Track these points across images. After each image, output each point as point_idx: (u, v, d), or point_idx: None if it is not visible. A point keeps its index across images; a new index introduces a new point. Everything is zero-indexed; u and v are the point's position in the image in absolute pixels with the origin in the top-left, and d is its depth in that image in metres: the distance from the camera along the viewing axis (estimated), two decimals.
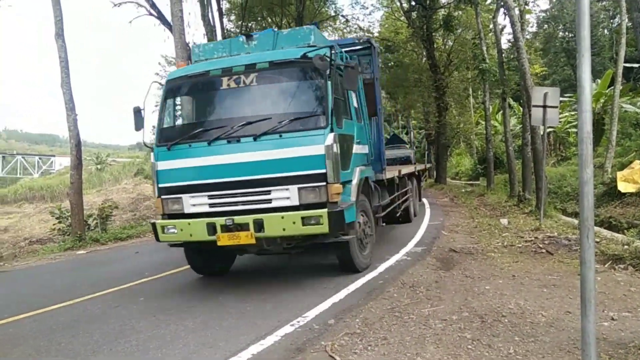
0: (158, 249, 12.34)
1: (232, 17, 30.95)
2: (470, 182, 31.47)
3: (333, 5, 32.71)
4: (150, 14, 21.49)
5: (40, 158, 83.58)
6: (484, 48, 21.34)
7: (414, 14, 29.10)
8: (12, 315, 6.06)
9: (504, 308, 5.02)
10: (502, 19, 29.35)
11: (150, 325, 5.22)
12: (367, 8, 47.20)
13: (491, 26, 22.26)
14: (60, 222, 16.29)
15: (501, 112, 24.68)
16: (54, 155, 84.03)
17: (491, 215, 13.11)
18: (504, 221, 11.45)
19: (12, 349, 4.77)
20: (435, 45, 28.98)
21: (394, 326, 4.70)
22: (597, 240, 8.06)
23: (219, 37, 26.04)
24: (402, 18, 31.77)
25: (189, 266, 7.72)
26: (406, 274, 6.86)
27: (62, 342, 4.87)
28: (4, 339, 5.14)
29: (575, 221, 11.04)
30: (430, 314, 5.01)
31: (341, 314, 5.16)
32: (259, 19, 30.44)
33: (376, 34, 37.09)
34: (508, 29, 23.55)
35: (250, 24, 30.13)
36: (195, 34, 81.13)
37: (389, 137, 31.12)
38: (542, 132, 12.47)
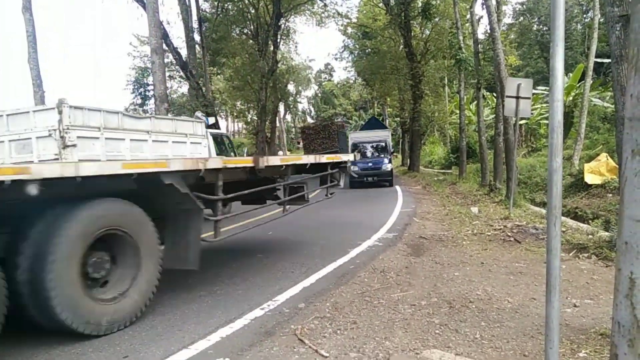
0: None
1: None
2: (443, 170, 31.85)
3: None
4: None
5: None
6: (461, 38, 21.47)
7: (392, 1, 29.07)
8: None
9: (472, 294, 5.11)
10: (479, 9, 29.45)
11: None
12: None
13: (468, 16, 22.40)
14: None
15: (475, 102, 24.97)
16: None
17: (462, 203, 13.32)
18: (475, 209, 11.65)
19: None
20: (412, 33, 29.05)
21: (363, 310, 4.73)
22: (564, 229, 8.27)
23: (194, 16, 25.53)
24: (381, 4, 31.68)
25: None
26: (377, 260, 6.92)
27: None
28: None
29: (543, 211, 11.30)
30: (399, 299, 5.07)
31: (312, 298, 5.17)
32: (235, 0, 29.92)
33: (354, 20, 36.97)
34: (485, 20, 23.77)
35: (226, 4, 29.60)
36: (170, 13, 79.31)
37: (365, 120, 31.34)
38: (514, 123, 12.66)
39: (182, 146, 9.42)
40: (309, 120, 79.25)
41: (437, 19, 28.02)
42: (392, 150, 23.73)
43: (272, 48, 30.72)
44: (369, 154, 21.70)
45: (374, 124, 28.87)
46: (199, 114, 14.14)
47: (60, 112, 7.45)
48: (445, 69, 30.12)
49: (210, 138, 11.97)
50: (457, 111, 28.80)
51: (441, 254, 7.19)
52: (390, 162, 21.23)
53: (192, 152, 9.59)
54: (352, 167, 16.69)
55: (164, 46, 20.54)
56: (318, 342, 3.96)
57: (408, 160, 32.82)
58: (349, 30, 38.79)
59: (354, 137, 24.50)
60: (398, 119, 42.69)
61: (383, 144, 22.09)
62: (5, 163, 7.39)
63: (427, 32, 30.18)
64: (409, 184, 20.78)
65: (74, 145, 7.44)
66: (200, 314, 4.79)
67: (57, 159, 7.15)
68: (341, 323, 4.40)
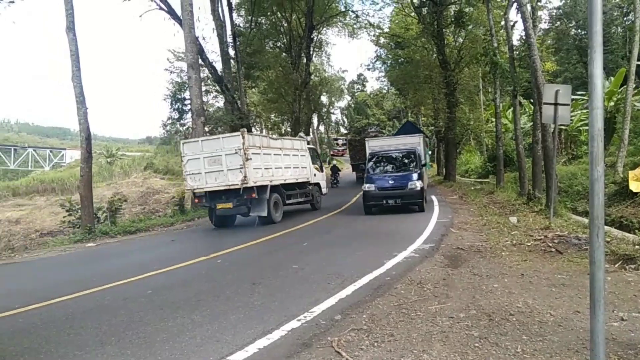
0: (166, 242, 12.40)
1: (242, 12, 30.96)
2: (480, 179, 31.30)
3: (343, 1, 32.67)
4: (161, 8, 21.59)
5: (51, 151, 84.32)
6: (495, 44, 21.17)
7: (424, 10, 28.99)
8: (22, 306, 6.13)
9: (512, 307, 4.99)
10: (513, 15, 29.05)
11: (157, 318, 5.25)
12: (378, 4, 47.43)
13: (502, 23, 22.08)
14: (70, 215, 16.44)
15: (512, 109, 24.49)
16: (64, 149, 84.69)
17: (500, 213, 13.04)
18: (513, 219, 11.38)
19: (22, 339, 4.83)
20: (445, 42, 28.82)
21: (400, 323, 4.69)
22: (608, 239, 7.98)
23: (229, 31, 26.10)
24: (413, 14, 31.62)
25: (197, 260, 7.79)
26: (414, 271, 6.85)
27: (71, 333, 4.91)
28: (14, 329, 5.20)
29: (586, 220, 10.95)
30: (437, 311, 5.00)
31: (348, 310, 5.16)
32: (269, 14, 30.42)
33: (386, 30, 36.99)
34: (519, 26, 23.37)
35: (260, 19, 30.12)
36: (205, 28, 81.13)
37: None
38: (552, 130, 12.37)
39: (297, 158, 16.08)
40: (342, 130, 79.40)
41: (470, 27, 27.75)
42: (424, 162, 17.46)
43: (304, 60, 31.06)
44: (390, 168, 16.19)
45: (409, 129, 25.77)
46: (302, 134, 19.72)
47: (243, 137, 12.82)
48: (480, 76, 29.74)
49: (308, 152, 17.48)
50: (494, 119, 28.34)
51: (479, 265, 7.05)
52: (420, 178, 15.01)
53: (302, 162, 16.60)
54: (366, 186, 14.97)
55: (200, 61, 21.07)
56: (355, 355, 3.95)
57: (444, 169, 32.41)
58: (382, 40, 38.82)
59: (372, 145, 19.10)
60: (432, 127, 42.31)
61: (411, 154, 16.33)
62: (202, 173, 13.41)
63: (461, 40, 29.88)
64: (445, 194, 20.48)
65: (250, 159, 12.88)
66: (238, 325, 4.84)
67: (242, 169, 12.79)
68: (378, 335, 4.37)
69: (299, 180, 16.15)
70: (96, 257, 11.14)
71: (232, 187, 13.02)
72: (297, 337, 4.44)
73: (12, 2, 17.37)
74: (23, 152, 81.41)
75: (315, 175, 17.70)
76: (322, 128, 73.21)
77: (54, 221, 28.57)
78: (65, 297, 6.53)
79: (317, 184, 17.92)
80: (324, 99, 58.02)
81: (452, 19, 27.25)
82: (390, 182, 14.98)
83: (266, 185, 13.61)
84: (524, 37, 16.58)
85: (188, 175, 13.69)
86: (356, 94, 78.33)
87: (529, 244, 8.41)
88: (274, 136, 18.35)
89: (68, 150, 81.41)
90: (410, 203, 14.58)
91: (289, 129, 35.92)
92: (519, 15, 14.90)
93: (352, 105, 78.11)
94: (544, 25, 48.21)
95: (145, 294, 6.54)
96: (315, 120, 59.25)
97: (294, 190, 15.87)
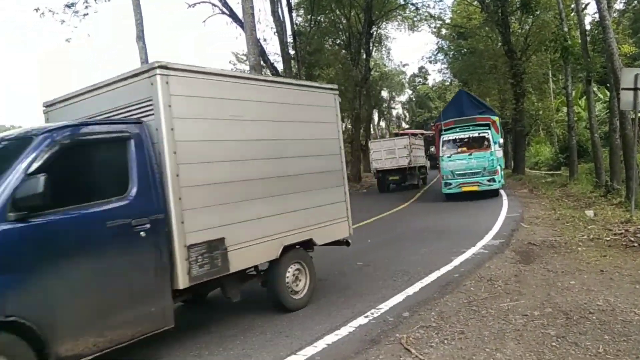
0: None
1: (301, 12, 31.23)
2: (551, 172, 29.84)
3: None
4: (223, 12, 22.21)
5: None
6: (566, 29, 20.04)
7: None
8: None
9: (592, 305, 4.73)
10: None
11: (228, 314, 5.42)
12: None
13: (573, 5, 20.89)
14: None
15: (585, 97, 23.18)
16: None
17: (575, 206, 12.38)
18: (590, 213, 10.77)
19: None
20: (511, 29, 27.65)
21: (471, 320, 4.57)
22: None
23: (289, 31, 26.43)
24: (475, 2, 30.59)
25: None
26: (483, 268, 6.65)
27: None
28: None
29: None
30: (509, 308, 4.82)
31: (415, 307, 5.09)
32: (328, 11, 30.47)
33: (448, 21, 36.10)
34: (592, 8, 22.08)
35: (319, 17, 30.25)
36: (266, 30, 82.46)
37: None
38: (632, 117, 11.60)
39: (421, 150, 25.96)
40: (404, 125, 78.34)
41: (538, 12, 26.44)
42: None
43: (364, 56, 30.85)
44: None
45: (466, 103, 17.95)
46: (421, 133, 26.76)
47: (408, 138, 23.57)
48: (548, 63, 28.32)
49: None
50: (565, 108, 26.89)
51: (553, 261, 6.73)
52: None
53: (422, 152, 25.92)
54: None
55: (262, 62, 21.48)
56: (425, 352, 3.89)
57: (512, 162, 31.20)
58: (443, 31, 37.86)
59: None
60: (499, 119, 40.83)
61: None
62: (383, 161, 23.36)
63: (527, 26, 28.56)
64: (514, 187, 19.68)
65: (411, 151, 22.83)
66: (306, 321, 4.91)
67: (408, 156, 22.44)
68: (448, 333, 4.28)
69: (420, 164, 24.80)
70: None
71: (400, 167, 22.49)
72: (364, 333, 4.43)
73: (87, 14, 18.54)
74: None
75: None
76: (383, 123, 72.58)
77: None
78: None
79: (424, 167, 26.59)
80: (384, 94, 57.48)
81: (518, 5, 26.04)
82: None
83: (415, 167, 23.11)
84: (598, 20, 15.60)
85: (373, 160, 24.25)
86: (417, 87, 76.95)
87: (608, 239, 7.93)
88: (418, 135, 28.90)
89: None
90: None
91: (349, 126, 35.90)
92: None
93: (414, 99, 76.80)
94: (619, 6, 45.23)
95: (215, 290, 6.76)
96: (375, 116, 58.85)
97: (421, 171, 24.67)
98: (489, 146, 15.76)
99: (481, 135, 16.18)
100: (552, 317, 4.48)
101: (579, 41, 18.77)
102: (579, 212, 11.18)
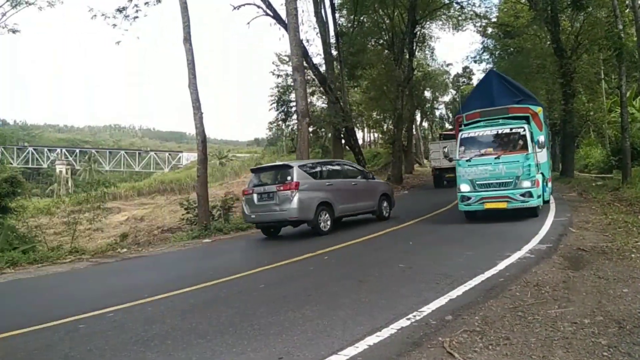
0: (274, 240, 12.89)
1: (344, 12, 31.25)
2: (602, 175, 28.66)
3: None
4: (267, 14, 22.48)
5: (169, 154, 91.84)
6: (620, 27, 19.21)
7: None
8: (151, 296, 6.72)
9: None
10: None
11: (270, 311, 5.48)
12: None
13: (628, 1, 19.99)
14: (188, 213, 17.74)
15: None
16: (181, 151, 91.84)
17: (628, 211, 11.85)
18: None
19: (151, 325, 5.29)
20: (561, 27, 26.75)
21: (517, 326, 4.45)
22: None
23: (332, 32, 26.50)
24: (523, 0, 29.78)
25: (304, 256, 8.17)
26: (530, 273, 6.46)
27: (193, 322, 5.29)
28: (144, 317, 5.72)
29: None
30: (557, 315, 4.67)
31: (459, 311, 5.00)
32: (371, 12, 30.36)
33: (494, 19, 35.28)
34: None
35: (362, 17, 30.18)
36: (309, 31, 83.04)
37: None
38: None
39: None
40: (447, 126, 77.03)
41: (590, 9, 25.47)
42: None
43: (407, 56, 30.61)
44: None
45: (497, 87, 13.55)
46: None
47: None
48: (602, 62, 27.23)
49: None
50: (618, 108, 25.77)
51: (605, 268, 6.47)
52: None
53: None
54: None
55: (304, 63, 21.61)
56: (469, 357, 3.82)
57: (560, 164, 30.20)
58: (489, 30, 37.03)
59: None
60: (547, 120, 39.54)
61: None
62: (441, 160, 24.94)
63: (578, 24, 27.57)
64: (562, 191, 19.04)
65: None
66: (347, 321, 4.90)
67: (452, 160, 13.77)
68: (492, 338, 4.19)
69: None
70: (212, 253, 11.90)
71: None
72: (407, 335, 4.39)
73: (137, 17, 19.15)
74: (146, 156, 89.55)
75: None
76: (425, 124, 71.63)
77: (173, 218, 31.09)
78: (187, 289, 7.04)
79: None
80: (427, 94, 56.73)
81: (569, 2, 25.16)
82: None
83: None
84: None
85: (432, 159, 28.19)
86: (461, 87, 75.54)
87: None
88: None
89: (184, 152, 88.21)
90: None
91: (391, 126, 35.60)
92: None
93: (457, 100, 75.44)
94: None
95: (258, 288, 6.87)
96: (418, 116, 58.17)
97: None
98: (525, 147, 11.58)
99: (515, 131, 11.89)
100: (603, 326, 4.31)
101: (635, 38, 17.96)
102: (633, 217, 10.69)
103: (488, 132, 12.15)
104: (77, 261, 11.23)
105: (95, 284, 8.73)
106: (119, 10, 19.10)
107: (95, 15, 19.00)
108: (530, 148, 11.56)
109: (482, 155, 11.96)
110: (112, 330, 5.22)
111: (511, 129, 11.95)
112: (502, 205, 11.64)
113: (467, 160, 12.07)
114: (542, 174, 12.24)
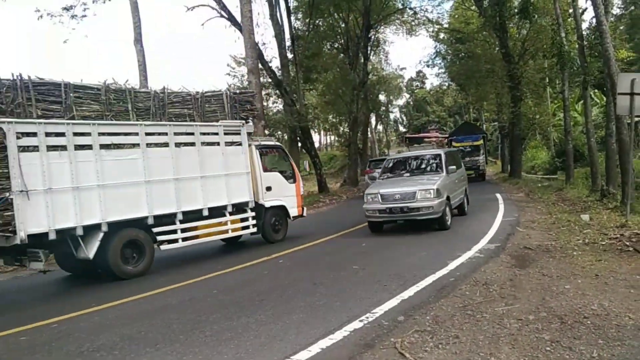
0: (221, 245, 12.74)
1: (300, 15, 31.25)
2: (547, 176, 29.91)
3: None
4: (222, 16, 22.22)
5: None
6: (563, 34, 20.12)
7: (485, 2, 28.04)
8: (98, 305, 6.48)
9: (586, 309, 4.74)
10: (582, 2, 27.36)
11: (223, 317, 5.40)
12: None
13: (570, 10, 20.94)
14: None
15: (581, 101, 23.23)
16: None
17: (571, 211, 12.40)
18: (585, 217, 10.80)
19: (99, 335, 5.11)
20: (508, 34, 27.74)
21: (466, 325, 4.56)
22: None
23: (287, 35, 26.44)
24: (473, 7, 30.69)
25: (259, 260, 8.64)
26: (479, 272, 6.65)
27: (142, 331, 5.14)
28: (91, 327, 5.51)
29: None
30: (504, 313, 4.82)
31: (410, 311, 5.08)
32: (326, 15, 30.49)
33: (445, 25, 36.19)
34: (589, 14, 22.13)
35: (317, 21, 30.27)
36: (265, 33, 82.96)
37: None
38: (628, 122, 11.65)
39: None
40: (401, 129, 78.39)
41: (535, 17, 26.55)
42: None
43: (362, 60, 30.89)
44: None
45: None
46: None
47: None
48: (545, 69, 28.41)
49: None
50: (561, 112, 26.94)
51: (549, 266, 6.74)
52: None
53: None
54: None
55: (260, 66, 21.49)
56: (419, 356, 3.89)
57: (508, 166, 31.27)
58: (441, 35, 37.94)
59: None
60: (496, 123, 40.88)
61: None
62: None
63: (525, 31, 28.66)
64: (511, 191, 19.71)
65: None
66: (301, 325, 4.89)
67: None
68: (443, 337, 4.28)
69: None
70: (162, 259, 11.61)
71: None
72: (359, 337, 4.42)
73: (85, 16, 18.53)
74: None
75: None
76: (380, 127, 72.64)
77: None
78: (137, 297, 6.85)
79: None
80: (382, 97, 57.50)
81: (516, 10, 26.12)
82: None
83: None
84: (595, 25, 15.66)
85: None
86: (415, 91, 77.08)
87: (603, 243, 7.96)
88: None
89: None
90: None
91: (346, 129, 35.88)
92: (589, 1, 14.09)
93: (411, 103, 76.93)
94: (616, 12, 45.38)
95: (211, 293, 6.75)
96: (373, 119, 58.86)
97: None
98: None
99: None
100: (546, 322, 4.48)
101: (577, 46, 18.84)
102: (575, 216, 11.20)
103: None
104: (20, 270, 10.69)
105: (39, 294, 8.34)
106: (66, 9, 18.41)
107: (42, 16, 18.26)
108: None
109: None
110: (55, 342, 5.00)
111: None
112: None
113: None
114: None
